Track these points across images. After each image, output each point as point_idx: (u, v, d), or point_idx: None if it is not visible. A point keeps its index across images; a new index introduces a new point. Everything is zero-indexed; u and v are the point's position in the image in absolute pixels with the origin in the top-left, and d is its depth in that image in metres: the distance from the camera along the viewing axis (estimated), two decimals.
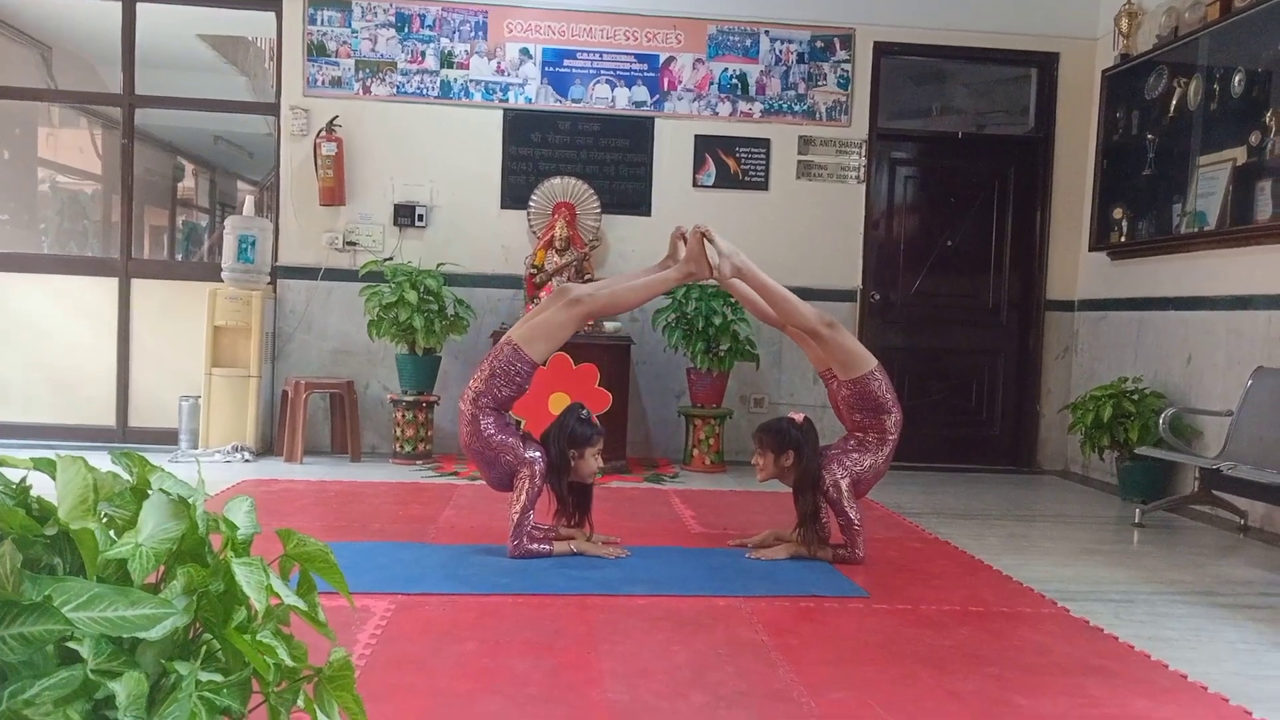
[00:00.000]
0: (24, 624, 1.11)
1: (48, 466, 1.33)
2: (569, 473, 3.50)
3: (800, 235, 6.23)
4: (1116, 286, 6.02)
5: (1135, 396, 5.30)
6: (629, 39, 6.15)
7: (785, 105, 6.25)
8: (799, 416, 3.60)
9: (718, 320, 5.63)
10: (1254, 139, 4.71)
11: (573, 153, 6.17)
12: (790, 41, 6.24)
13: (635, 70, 6.17)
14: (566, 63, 6.15)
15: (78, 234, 9.51)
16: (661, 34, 6.17)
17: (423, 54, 6.07)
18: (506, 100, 6.12)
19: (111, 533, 1.29)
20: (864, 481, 3.61)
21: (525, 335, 3.53)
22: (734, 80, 6.22)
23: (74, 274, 6.12)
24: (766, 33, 6.23)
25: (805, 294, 3.93)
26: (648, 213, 6.19)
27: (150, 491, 1.33)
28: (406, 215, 6.07)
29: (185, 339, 5.90)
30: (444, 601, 2.94)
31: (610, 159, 6.19)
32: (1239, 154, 4.83)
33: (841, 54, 6.26)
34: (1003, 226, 6.54)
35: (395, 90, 6.07)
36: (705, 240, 3.62)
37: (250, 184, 11.05)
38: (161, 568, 1.29)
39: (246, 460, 5.56)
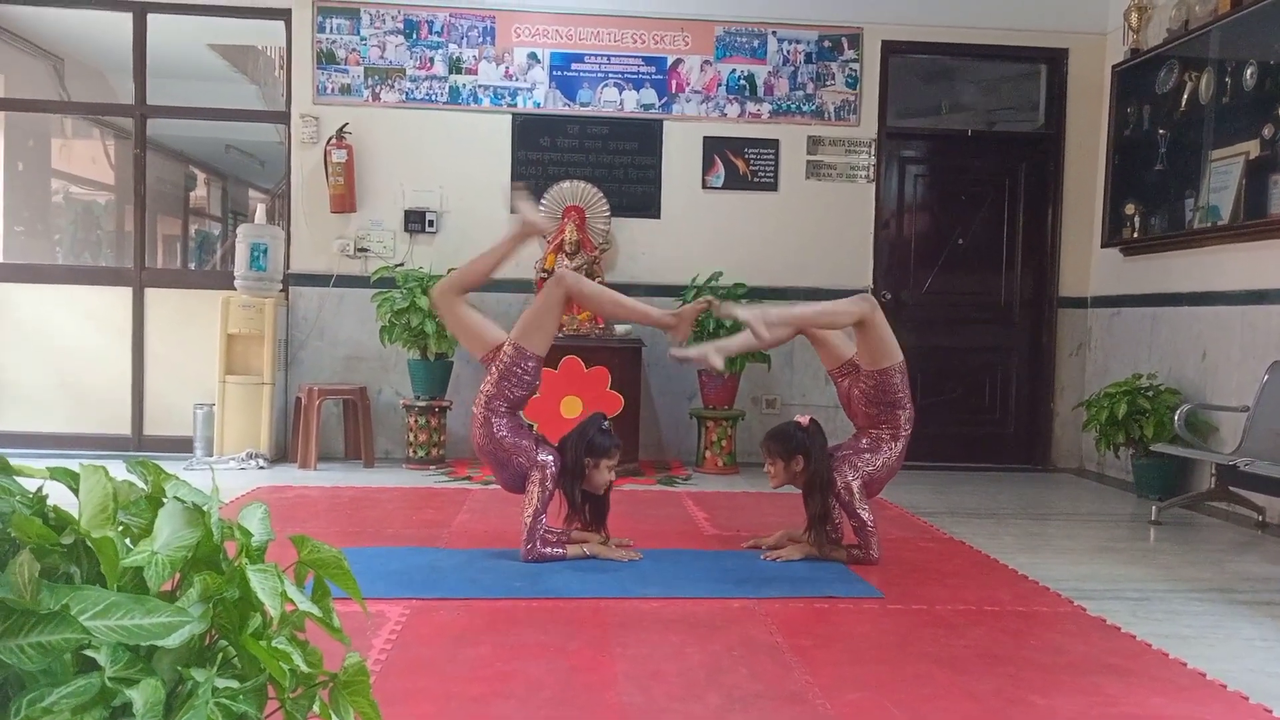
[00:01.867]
0: (42, 632, 1.12)
1: (64, 476, 1.34)
2: (581, 480, 3.51)
3: (810, 235, 6.22)
4: (1130, 282, 5.99)
5: (1150, 393, 5.27)
6: (636, 42, 6.16)
7: (794, 105, 6.24)
8: (805, 420, 3.59)
9: (728, 322, 5.62)
10: (1267, 132, 4.68)
11: (582, 156, 6.17)
12: (798, 42, 6.23)
13: (643, 73, 6.18)
14: (574, 66, 6.16)
15: (91, 244, 9.56)
16: (669, 36, 6.17)
17: (431, 60, 6.09)
18: (515, 105, 6.14)
19: (127, 541, 1.29)
20: (877, 480, 3.60)
21: (520, 331, 3.56)
22: (742, 81, 6.22)
23: (88, 284, 6.16)
24: (774, 33, 6.22)
25: (816, 294, 3.93)
26: (657, 215, 6.18)
27: (165, 499, 1.34)
28: (417, 221, 6.09)
29: (199, 347, 5.93)
30: (458, 606, 2.94)
31: (619, 162, 6.19)
32: (1252, 147, 4.80)
33: (849, 53, 6.25)
34: (1014, 224, 6.51)
35: (404, 97, 6.09)
36: (749, 325, 3.46)
37: (261, 192, 11.11)
38: (177, 575, 1.30)
39: (260, 467, 5.59)
